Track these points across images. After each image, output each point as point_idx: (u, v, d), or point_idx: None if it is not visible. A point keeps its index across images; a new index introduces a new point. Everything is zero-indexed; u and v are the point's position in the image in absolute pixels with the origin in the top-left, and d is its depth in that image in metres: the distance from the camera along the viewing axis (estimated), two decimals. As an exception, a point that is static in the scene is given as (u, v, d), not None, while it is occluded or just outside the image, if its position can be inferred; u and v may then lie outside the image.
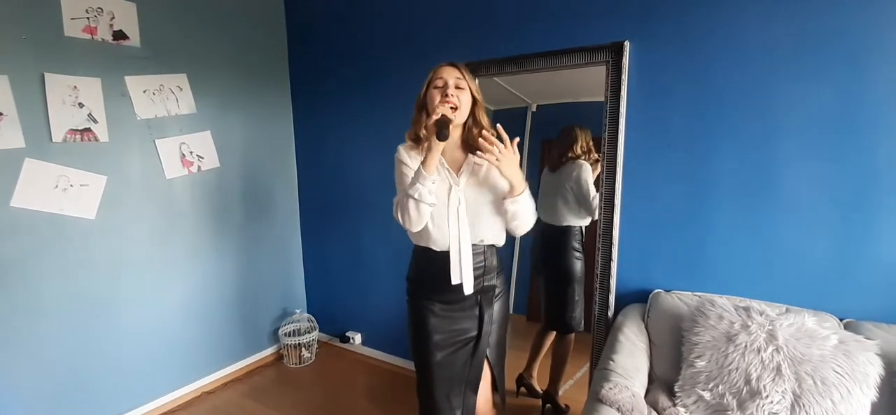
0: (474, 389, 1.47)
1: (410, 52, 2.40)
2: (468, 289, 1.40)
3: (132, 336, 2.22)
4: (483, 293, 1.46)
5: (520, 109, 2.37)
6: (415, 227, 1.36)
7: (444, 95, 1.34)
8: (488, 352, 1.49)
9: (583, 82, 1.98)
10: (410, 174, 1.36)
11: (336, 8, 2.67)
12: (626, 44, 1.79)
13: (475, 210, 1.40)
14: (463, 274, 1.38)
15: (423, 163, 1.31)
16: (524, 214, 1.40)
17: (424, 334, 1.46)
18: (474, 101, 1.41)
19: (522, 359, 2.31)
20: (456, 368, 1.46)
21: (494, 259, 1.49)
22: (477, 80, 2.18)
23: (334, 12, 2.68)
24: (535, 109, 2.34)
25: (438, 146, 1.28)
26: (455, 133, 1.42)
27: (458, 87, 1.36)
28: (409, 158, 1.41)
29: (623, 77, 1.79)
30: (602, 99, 1.86)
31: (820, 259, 1.57)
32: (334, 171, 2.83)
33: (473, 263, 1.41)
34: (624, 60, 1.79)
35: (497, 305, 1.50)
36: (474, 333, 1.46)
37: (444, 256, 1.39)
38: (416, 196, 1.30)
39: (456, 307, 1.45)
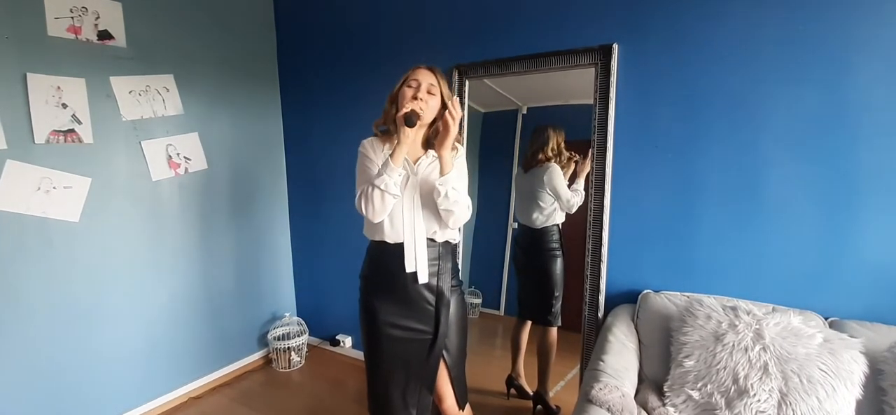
0: (430, 388, 1.49)
1: (402, 54, 2.39)
2: (422, 278, 1.43)
3: (117, 341, 2.17)
4: (438, 296, 1.46)
5: (510, 112, 2.38)
6: (378, 217, 1.39)
7: (415, 96, 1.39)
8: (446, 355, 1.49)
9: (572, 84, 1.99)
10: (372, 168, 1.41)
11: (327, 6, 2.66)
12: (615, 46, 1.80)
13: (430, 202, 1.43)
14: (418, 262, 1.42)
15: (391, 154, 1.35)
16: (453, 196, 1.38)
17: (377, 331, 1.48)
18: (445, 108, 1.44)
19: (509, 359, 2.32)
20: (411, 367, 1.47)
21: (449, 260, 1.50)
22: (465, 86, 2.21)
23: (325, 10, 2.67)
24: (525, 112, 2.35)
25: (406, 139, 1.33)
26: (419, 132, 1.45)
27: (429, 93, 1.41)
28: (373, 152, 1.46)
29: (612, 79, 1.81)
30: (591, 101, 1.87)
31: (805, 259, 1.59)
32: (325, 172, 2.81)
33: (428, 257, 1.44)
34: (612, 63, 1.80)
35: (453, 307, 1.50)
36: (430, 334, 1.47)
37: (399, 250, 1.42)
38: (382, 187, 1.33)
39: (410, 308, 1.46)
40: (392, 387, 1.48)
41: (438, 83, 1.43)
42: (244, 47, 2.68)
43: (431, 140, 1.47)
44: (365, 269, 1.54)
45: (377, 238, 1.46)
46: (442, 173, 1.38)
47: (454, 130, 1.34)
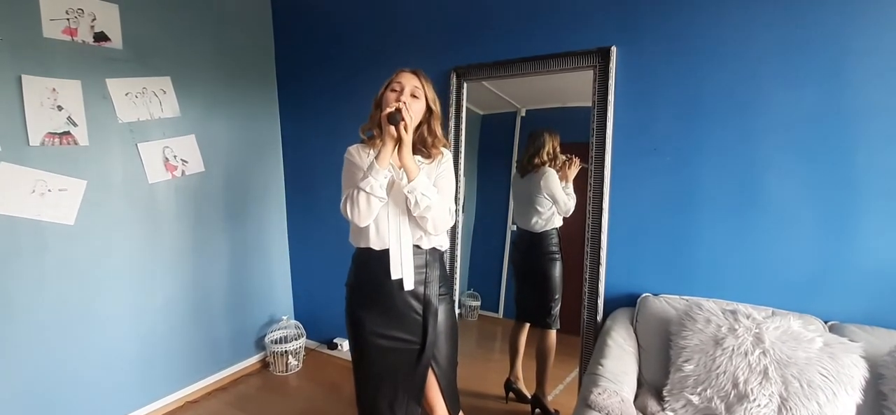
0: (418, 399, 1.46)
1: (401, 56, 2.37)
2: (408, 284, 1.41)
3: (112, 345, 2.16)
4: (425, 304, 1.45)
5: (509, 114, 2.37)
6: (363, 221, 1.37)
7: (398, 100, 1.38)
8: (435, 366, 1.47)
9: (571, 87, 1.99)
10: (358, 173, 1.40)
11: (324, 7, 2.65)
12: (613, 49, 1.80)
13: None
14: (403, 268, 1.40)
15: (376, 157, 1.34)
16: (424, 202, 1.35)
17: (364, 341, 1.46)
18: (431, 112, 1.46)
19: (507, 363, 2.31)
20: (399, 377, 1.45)
21: (436, 268, 1.48)
22: (463, 88, 2.21)
23: (323, 13, 2.66)
24: (524, 114, 2.35)
25: (392, 141, 1.32)
26: (407, 137, 1.41)
27: (413, 96, 1.41)
28: (359, 157, 1.45)
29: (610, 82, 1.80)
30: (590, 104, 1.87)
31: (804, 262, 1.59)
32: (322, 175, 2.80)
33: (415, 264, 1.42)
34: (611, 65, 1.80)
35: (441, 316, 1.47)
36: (417, 344, 1.45)
37: (384, 257, 1.41)
38: (367, 189, 1.33)
39: (396, 317, 1.44)
40: (379, 398, 1.46)
41: (423, 86, 1.43)
42: (242, 50, 2.67)
43: (417, 145, 1.45)
44: (350, 277, 1.52)
45: (363, 245, 1.45)
46: (409, 180, 1.35)
47: (406, 137, 1.32)
